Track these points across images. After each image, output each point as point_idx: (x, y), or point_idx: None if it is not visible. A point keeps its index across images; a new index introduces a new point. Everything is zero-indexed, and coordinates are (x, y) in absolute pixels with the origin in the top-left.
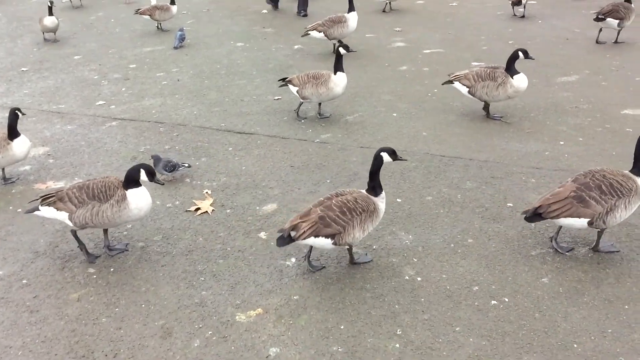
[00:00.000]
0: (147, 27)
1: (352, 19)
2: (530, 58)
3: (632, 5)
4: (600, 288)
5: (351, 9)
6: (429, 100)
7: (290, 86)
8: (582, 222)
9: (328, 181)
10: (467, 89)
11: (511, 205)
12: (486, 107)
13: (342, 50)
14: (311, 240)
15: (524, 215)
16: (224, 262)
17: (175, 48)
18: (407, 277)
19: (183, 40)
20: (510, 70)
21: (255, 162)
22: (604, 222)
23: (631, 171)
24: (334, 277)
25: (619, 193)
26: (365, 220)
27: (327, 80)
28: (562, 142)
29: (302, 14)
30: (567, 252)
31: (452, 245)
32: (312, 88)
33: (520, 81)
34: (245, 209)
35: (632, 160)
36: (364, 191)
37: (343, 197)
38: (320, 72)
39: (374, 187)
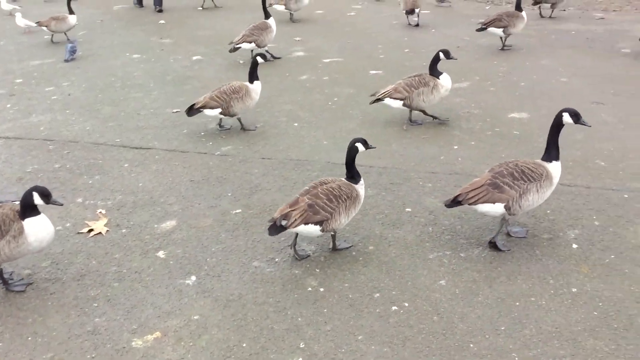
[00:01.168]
0: (35, 39)
1: (274, 24)
2: (453, 58)
3: (522, 13)
4: (493, 287)
5: (268, 15)
6: (329, 109)
7: (207, 110)
8: (499, 207)
9: (229, 194)
10: (402, 102)
11: (409, 210)
12: (423, 113)
13: (259, 59)
14: (301, 228)
15: (445, 203)
16: (119, 285)
17: (67, 61)
18: (309, 289)
19: (75, 53)
20: (434, 72)
21: (153, 177)
22: (519, 206)
23: (542, 159)
24: (236, 293)
25: (530, 178)
26: (350, 207)
27: (248, 91)
28: (456, 147)
29: (157, 9)
30: (523, 236)
31: (354, 253)
32: (239, 103)
33: (447, 80)
34: (142, 228)
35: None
36: (344, 179)
37: (328, 185)
38: (235, 85)
39: (353, 175)
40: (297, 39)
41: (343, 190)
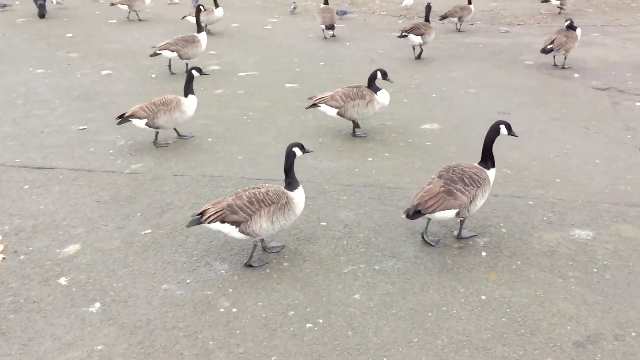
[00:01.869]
0: None
1: (203, 39)
2: (389, 80)
3: (431, 24)
4: (406, 298)
5: (200, 29)
6: (244, 123)
7: (135, 120)
8: (452, 213)
9: (138, 214)
10: (337, 110)
11: (324, 224)
12: (356, 125)
13: (195, 72)
14: (218, 225)
15: (405, 214)
16: (16, 316)
17: None
18: (222, 310)
19: None
20: (372, 87)
21: (55, 199)
22: (468, 211)
23: (479, 164)
24: (144, 318)
25: (477, 183)
26: (274, 212)
27: (179, 104)
28: (370, 159)
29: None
30: (437, 243)
31: (268, 270)
32: (165, 115)
33: (384, 97)
34: (42, 254)
35: (433, 171)
36: (282, 187)
37: (256, 190)
38: (168, 97)
39: (290, 182)
40: (212, 52)
41: (269, 196)
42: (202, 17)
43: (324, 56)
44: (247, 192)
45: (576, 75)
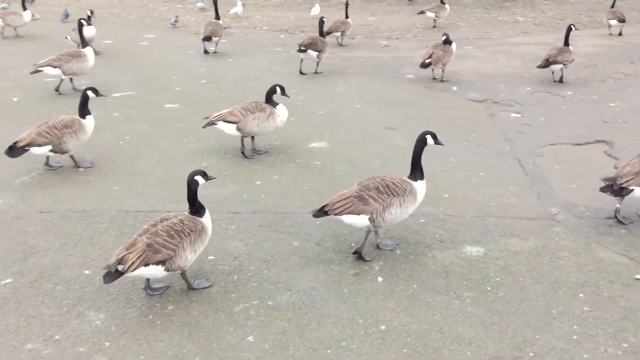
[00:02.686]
0: None
1: (90, 54)
2: (286, 96)
3: (324, 38)
4: (304, 336)
5: (85, 44)
6: (121, 149)
7: (35, 149)
8: (363, 219)
9: None
10: (235, 125)
11: (212, 257)
12: (252, 140)
13: (90, 93)
14: (141, 271)
15: (312, 213)
16: None
17: None
18: None
19: None
20: (271, 102)
21: None
22: (383, 219)
23: (409, 177)
24: None
25: (394, 192)
26: (195, 241)
27: (81, 126)
28: (258, 182)
29: None
30: (394, 247)
31: (151, 316)
32: (73, 138)
33: (283, 112)
34: None
35: (325, 193)
36: (187, 213)
37: (169, 221)
38: (65, 119)
39: (197, 209)
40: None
41: (186, 224)
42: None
43: (205, 73)
44: (160, 226)
45: (454, 87)
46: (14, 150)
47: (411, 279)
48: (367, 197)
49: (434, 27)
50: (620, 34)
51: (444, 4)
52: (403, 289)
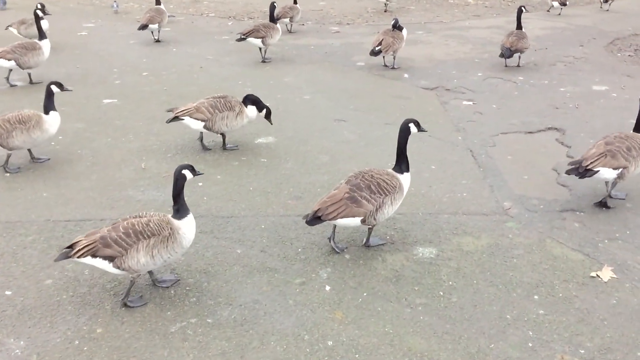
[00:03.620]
0: None
1: (46, 46)
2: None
3: (277, 25)
4: (245, 356)
5: (43, 36)
6: (52, 151)
7: None
8: (356, 220)
9: None
10: (203, 123)
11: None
12: (224, 138)
13: (54, 88)
14: (89, 260)
15: (304, 219)
16: None
17: None
18: None
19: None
20: (246, 100)
21: None
22: (374, 219)
23: (394, 169)
24: None
25: (385, 191)
26: (154, 246)
27: (39, 122)
28: (200, 183)
29: None
30: (342, 250)
31: (77, 342)
32: (23, 135)
33: (252, 111)
34: None
35: (270, 193)
36: (169, 215)
37: (136, 220)
38: (25, 113)
39: (178, 209)
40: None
41: (149, 227)
42: (22, 29)
43: (147, 65)
44: (125, 223)
45: (406, 75)
46: None
47: (360, 287)
48: (360, 198)
49: (385, 11)
50: (559, 14)
51: None
52: (352, 297)
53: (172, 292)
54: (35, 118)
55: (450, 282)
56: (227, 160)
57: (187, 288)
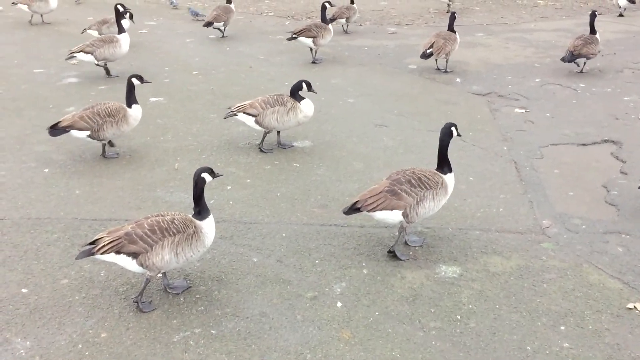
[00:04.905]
0: None
1: (124, 40)
2: (313, 91)
3: (329, 25)
4: None
5: (122, 30)
6: (93, 149)
7: (75, 132)
8: (397, 214)
9: None
10: (254, 118)
11: (161, 274)
12: (278, 134)
13: (135, 80)
14: (112, 257)
15: (343, 211)
16: None
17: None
18: None
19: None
20: (296, 96)
21: None
22: (416, 214)
23: (437, 169)
24: None
25: (427, 185)
26: (179, 243)
27: (125, 116)
28: (229, 187)
29: None
30: (406, 258)
31: (80, 345)
32: (113, 128)
33: (307, 107)
34: None
35: (297, 199)
36: (190, 215)
37: (160, 217)
38: (111, 106)
39: (200, 211)
40: (73, 62)
41: (174, 224)
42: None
43: (198, 64)
44: (149, 220)
45: (458, 79)
46: (55, 130)
47: (373, 305)
48: (400, 191)
49: (447, 12)
50: (621, 15)
51: None
52: (362, 316)
53: (182, 299)
54: (122, 111)
55: (470, 306)
56: (259, 164)
57: (197, 296)
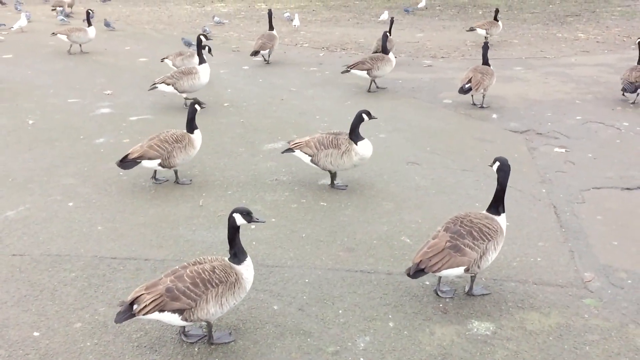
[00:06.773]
0: None
1: (204, 71)
2: (373, 117)
3: (389, 55)
4: None
5: (202, 61)
6: (118, 182)
7: (146, 162)
8: (460, 270)
9: None
10: (310, 158)
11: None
12: (333, 176)
13: (197, 106)
14: (156, 316)
15: (407, 273)
16: None
17: None
18: None
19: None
20: (355, 135)
21: None
22: (478, 267)
23: (488, 211)
24: None
25: (488, 236)
26: (223, 294)
27: (190, 141)
28: (253, 226)
29: None
30: (452, 295)
31: None
32: (181, 153)
33: (364, 148)
34: None
35: (322, 242)
36: (227, 259)
37: (199, 267)
38: (176, 133)
39: (236, 253)
40: (108, 92)
41: (216, 274)
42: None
43: (230, 95)
44: (188, 271)
45: (494, 115)
46: (126, 162)
47: None
48: (462, 246)
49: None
50: None
51: (497, 20)
52: None
53: (196, 349)
54: (187, 137)
55: None
56: (285, 202)
57: (212, 346)
